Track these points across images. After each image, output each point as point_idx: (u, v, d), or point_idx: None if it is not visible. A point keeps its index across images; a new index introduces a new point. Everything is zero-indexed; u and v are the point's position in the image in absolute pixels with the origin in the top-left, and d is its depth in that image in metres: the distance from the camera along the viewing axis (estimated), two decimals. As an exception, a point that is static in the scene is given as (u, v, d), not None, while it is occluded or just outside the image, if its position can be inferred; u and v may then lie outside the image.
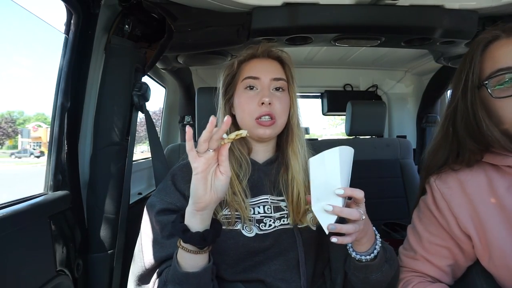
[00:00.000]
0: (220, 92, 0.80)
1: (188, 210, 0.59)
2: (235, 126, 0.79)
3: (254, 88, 0.76)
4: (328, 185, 0.58)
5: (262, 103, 0.73)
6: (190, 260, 0.60)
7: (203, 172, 0.56)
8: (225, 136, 0.56)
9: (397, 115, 2.32)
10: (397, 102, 2.32)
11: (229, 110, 0.80)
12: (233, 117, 0.80)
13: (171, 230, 0.64)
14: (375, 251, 0.64)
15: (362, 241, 0.63)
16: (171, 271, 0.61)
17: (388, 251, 0.68)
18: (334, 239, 0.58)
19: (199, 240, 0.58)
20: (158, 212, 0.70)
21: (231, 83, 0.79)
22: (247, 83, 0.76)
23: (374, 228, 0.66)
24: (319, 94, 2.45)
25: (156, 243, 0.68)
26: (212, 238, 0.59)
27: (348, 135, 1.90)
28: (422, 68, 2.12)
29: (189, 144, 0.55)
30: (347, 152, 0.59)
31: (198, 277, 0.60)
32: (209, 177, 0.57)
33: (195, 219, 0.58)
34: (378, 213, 1.64)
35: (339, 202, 0.57)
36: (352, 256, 0.65)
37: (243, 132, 0.57)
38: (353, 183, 0.60)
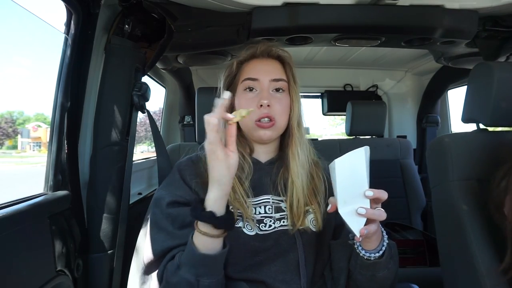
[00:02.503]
0: (221, 93, 0.79)
1: (211, 197, 0.59)
2: None
3: (254, 90, 0.75)
4: (355, 187, 0.57)
5: (261, 105, 0.72)
6: (210, 243, 0.60)
7: (219, 142, 0.57)
8: (232, 116, 0.58)
9: (397, 115, 2.32)
10: (397, 102, 2.32)
11: (230, 112, 0.79)
12: None
13: (194, 217, 0.62)
14: (383, 248, 0.64)
15: (373, 238, 0.63)
16: (186, 254, 0.62)
17: (392, 247, 0.68)
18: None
19: (228, 224, 0.60)
20: (168, 205, 0.70)
21: (231, 84, 0.78)
22: (246, 84, 0.75)
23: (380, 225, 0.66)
24: (319, 94, 2.45)
25: (167, 233, 0.68)
26: (233, 221, 0.62)
27: (348, 135, 1.90)
28: (422, 68, 2.12)
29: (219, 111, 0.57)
30: (368, 152, 0.59)
31: (215, 259, 0.61)
32: (223, 154, 0.58)
33: (220, 203, 0.59)
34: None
35: (367, 204, 0.57)
36: (361, 254, 0.64)
37: (248, 110, 0.61)
38: None
